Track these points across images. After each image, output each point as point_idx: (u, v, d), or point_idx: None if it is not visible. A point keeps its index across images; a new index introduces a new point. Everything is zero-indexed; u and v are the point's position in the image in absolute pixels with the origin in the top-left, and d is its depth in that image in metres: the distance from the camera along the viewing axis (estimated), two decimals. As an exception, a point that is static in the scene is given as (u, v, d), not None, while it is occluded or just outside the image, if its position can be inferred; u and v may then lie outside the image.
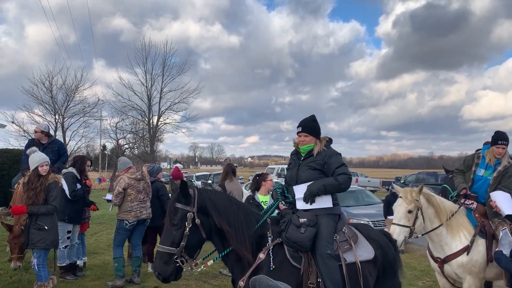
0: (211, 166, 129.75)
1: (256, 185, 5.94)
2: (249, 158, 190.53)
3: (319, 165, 3.50)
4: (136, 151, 34.34)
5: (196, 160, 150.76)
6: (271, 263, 3.11)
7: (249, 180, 29.33)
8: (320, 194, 3.41)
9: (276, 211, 4.04)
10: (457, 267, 4.44)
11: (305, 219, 3.26)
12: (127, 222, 6.11)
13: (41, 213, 5.02)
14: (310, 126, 3.62)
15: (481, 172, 4.78)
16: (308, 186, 3.43)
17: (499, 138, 4.62)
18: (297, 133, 3.63)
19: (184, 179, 8.10)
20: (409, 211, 4.30)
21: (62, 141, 26.34)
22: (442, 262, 4.56)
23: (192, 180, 31.50)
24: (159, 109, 33.13)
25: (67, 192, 6.13)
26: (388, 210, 8.63)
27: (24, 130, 25.72)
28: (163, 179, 7.90)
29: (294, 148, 3.74)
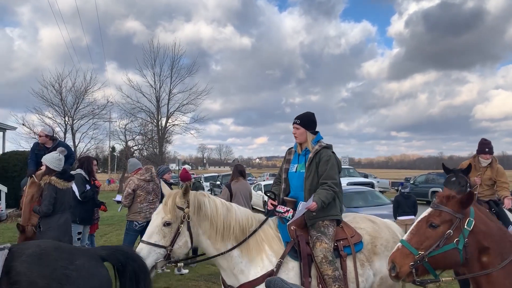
0: (219, 167, 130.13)
1: None
2: (257, 159, 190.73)
3: None
4: (145, 153, 34.59)
5: (205, 162, 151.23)
6: None
7: (256, 180, 29.36)
8: None
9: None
10: None
11: None
12: (136, 223, 6.14)
13: (37, 213, 4.95)
14: None
15: (294, 168, 3.67)
16: None
17: (295, 117, 3.73)
18: None
19: (193, 180, 8.12)
20: (166, 223, 3.02)
21: (72, 143, 26.63)
22: None
23: (201, 181, 31.61)
24: (168, 110, 33.41)
25: (77, 193, 6.17)
26: (397, 211, 8.58)
27: (34, 132, 25.96)
28: (172, 181, 7.93)
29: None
